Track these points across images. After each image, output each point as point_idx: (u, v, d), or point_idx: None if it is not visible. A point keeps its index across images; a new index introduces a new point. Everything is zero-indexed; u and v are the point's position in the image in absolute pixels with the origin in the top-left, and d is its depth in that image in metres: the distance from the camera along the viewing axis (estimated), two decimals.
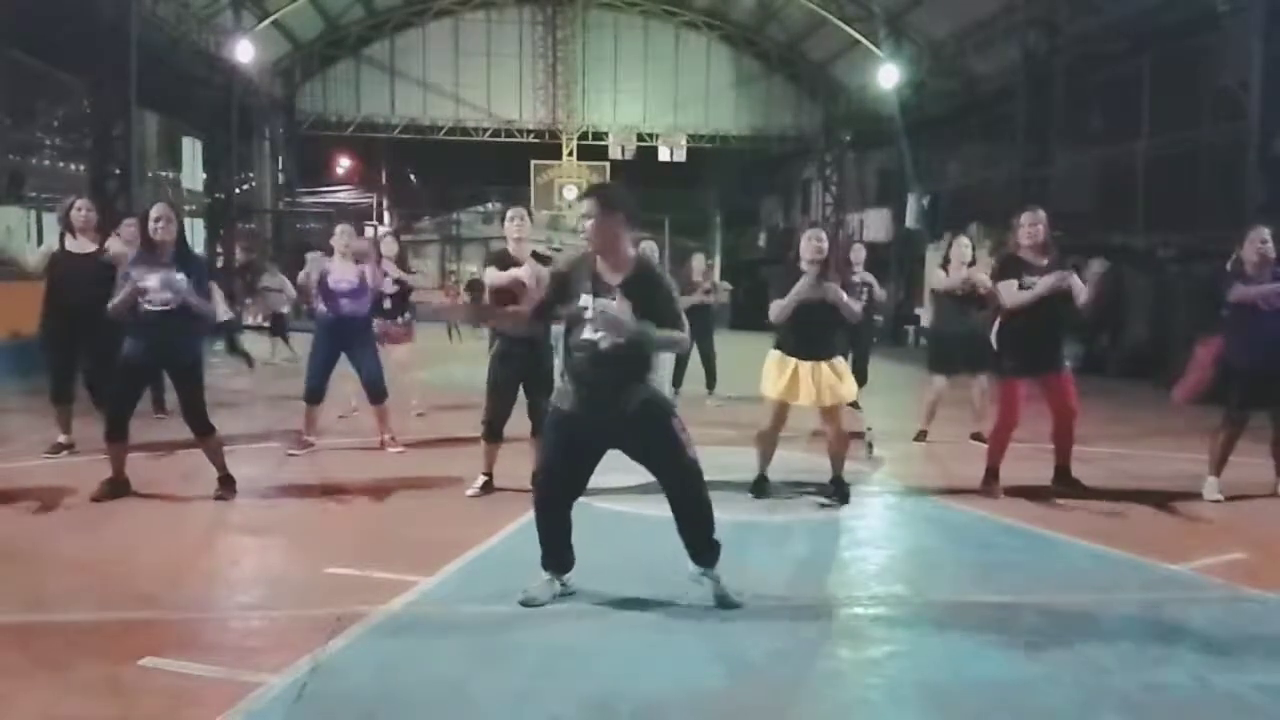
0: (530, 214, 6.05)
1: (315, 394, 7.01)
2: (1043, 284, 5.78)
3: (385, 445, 7.21)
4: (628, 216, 3.85)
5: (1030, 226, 5.94)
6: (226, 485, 5.65)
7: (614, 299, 3.74)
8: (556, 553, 4.00)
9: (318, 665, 3.30)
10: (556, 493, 3.96)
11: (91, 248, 6.67)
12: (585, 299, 3.79)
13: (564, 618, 3.83)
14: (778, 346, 5.80)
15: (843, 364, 5.84)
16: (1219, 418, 6.04)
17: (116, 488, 5.53)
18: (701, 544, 3.99)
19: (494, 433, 5.82)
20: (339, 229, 7.27)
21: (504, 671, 3.34)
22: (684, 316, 3.90)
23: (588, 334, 3.78)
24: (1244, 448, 6.06)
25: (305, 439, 7.04)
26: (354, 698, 3.11)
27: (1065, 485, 6.11)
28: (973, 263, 7.84)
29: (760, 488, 5.95)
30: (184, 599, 4.01)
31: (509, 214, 5.93)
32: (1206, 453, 6.09)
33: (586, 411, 3.84)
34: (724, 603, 3.94)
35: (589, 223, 3.80)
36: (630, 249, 3.87)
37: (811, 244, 5.66)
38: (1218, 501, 5.90)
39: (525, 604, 3.90)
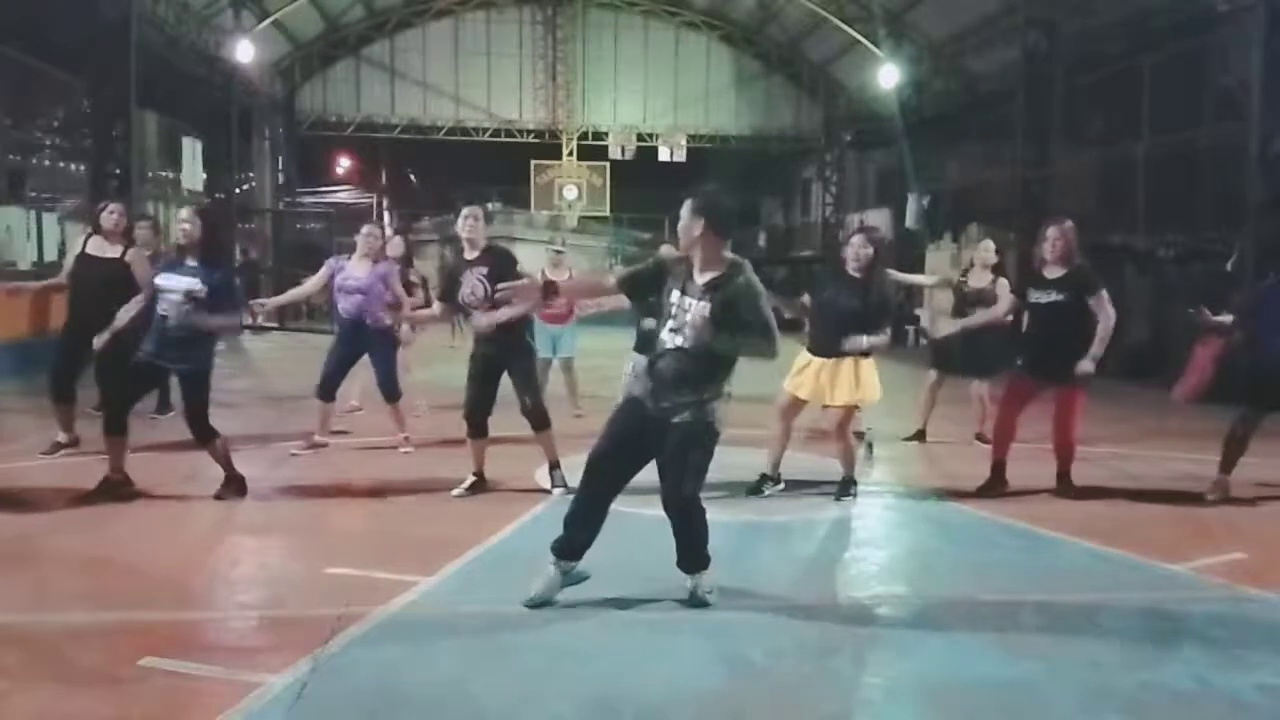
0: (487, 214, 5.99)
1: (326, 390, 7.03)
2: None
3: (399, 445, 7.21)
4: (711, 224, 3.88)
5: (1053, 240, 5.97)
6: (234, 486, 5.62)
7: (699, 299, 3.84)
8: (580, 541, 3.98)
9: (318, 665, 3.30)
10: (607, 472, 3.96)
11: (114, 252, 6.67)
12: (675, 294, 3.91)
13: (564, 618, 3.83)
14: (806, 345, 5.97)
15: (868, 366, 5.83)
16: (1237, 417, 6.01)
17: (115, 487, 5.49)
18: (683, 555, 4.05)
19: (475, 427, 5.77)
20: (366, 229, 7.30)
21: (504, 671, 3.34)
22: (774, 325, 3.87)
23: (664, 333, 3.91)
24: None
25: (316, 439, 7.04)
26: (354, 698, 3.11)
27: (1061, 490, 6.09)
28: (999, 264, 7.90)
29: (756, 486, 5.96)
30: (184, 599, 4.02)
31: (464, 212, 5.78)
32: (1218, 453, 6.04)
33: (650, 400, 3.92)
34: (694, 601, 3.97)
35: (681, 222, 3.95)
36: (724, 253, 3.92)
37: (853, 249, 5.86)
38: (1214, 501, 5.91)
39: (533, 605, 3.88)
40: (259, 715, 2.96)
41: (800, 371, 5.90)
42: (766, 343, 3.84)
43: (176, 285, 5.43)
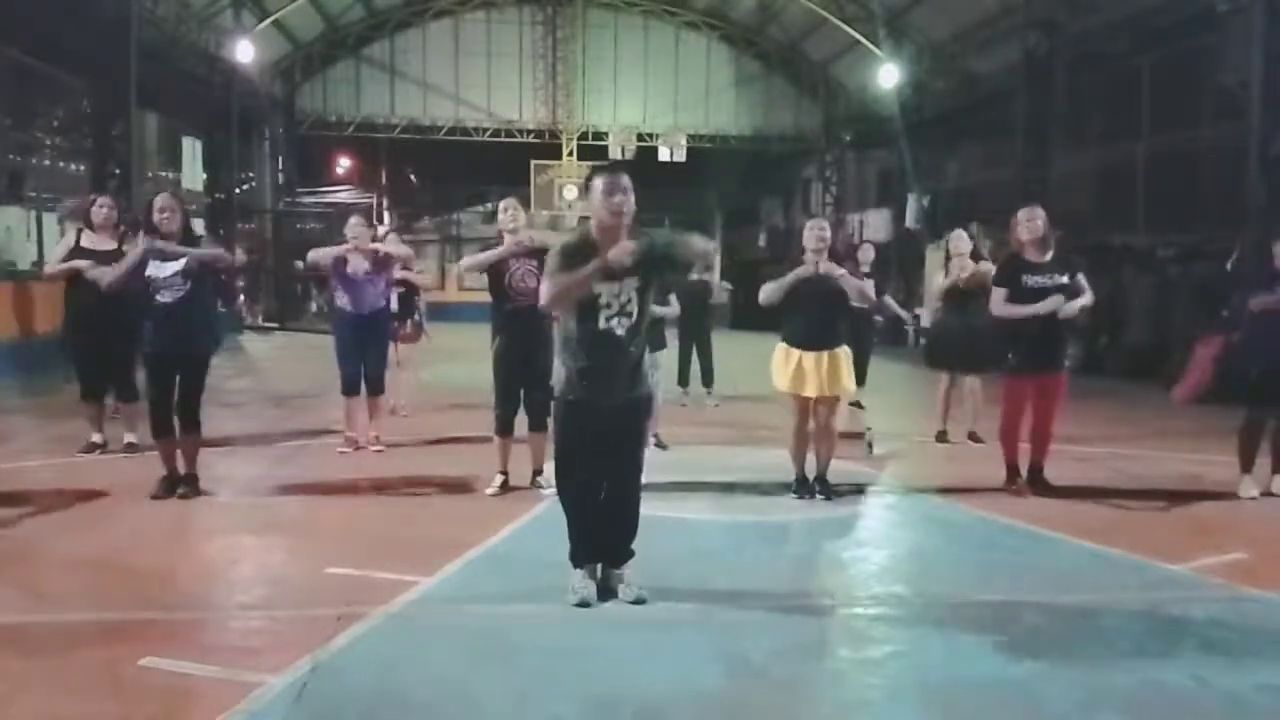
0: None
1: (352, 385, 7.02)
2: (1043, 306, 5.75)
3: (368, 443, 7.16)
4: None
5: (1029, 221, 5.92)
6: (191, 484, 5.65)
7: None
8: (590, 544, 4.00)
9: (318, 665, 3.30)
10: (586, 481, 3.96)
11: (110, 245, 6.69)
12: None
13: (564, 618, 3.82)
14: (784, 339, 5.80)
15: (847, 355, 5.79)
16: (1243, 418, 6.01)
17: (172, 485, 5.57)
18: (626, 544, 4.03)
19: (508, 427, 5.82)
20: (353, 220, 7.22)
21: (505, 671, 3.34)
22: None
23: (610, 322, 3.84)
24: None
25: (350, 434, 7.05)
26: (354, 698, 3.11)
27: (1038, 486, 6.06)
28: (975, 252, 7.79)
29: (802, 488, 5.89)
30: (184, 599, 4.01)
31: (502, 205, 5.93)
32: (1236, 453, 6.04)
33: (594, 397, 3.88)
34: (639, 599, 3.93)
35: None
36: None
37: (813, 233, 5.73)
38: (1254, 498, 5.90)
39: (582, 605, 3.87)
40: (259, 715, 2.96)
41: (790, 367, 5.72)
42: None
43: (171, 269, 5.44)
